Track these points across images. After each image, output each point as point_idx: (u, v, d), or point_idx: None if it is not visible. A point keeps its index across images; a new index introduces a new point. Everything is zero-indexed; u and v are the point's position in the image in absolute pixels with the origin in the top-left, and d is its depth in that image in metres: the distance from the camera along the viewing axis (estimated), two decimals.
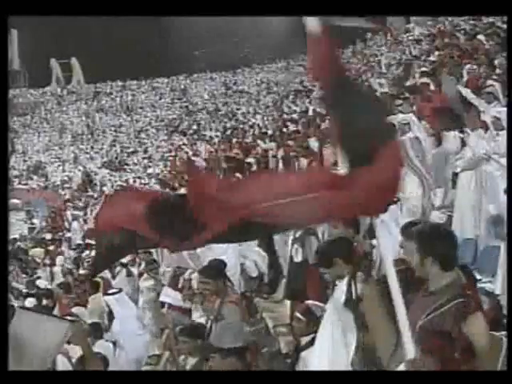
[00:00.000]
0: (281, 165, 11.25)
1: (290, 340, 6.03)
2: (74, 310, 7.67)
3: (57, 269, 13.53)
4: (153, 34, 44.78)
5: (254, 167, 12.23)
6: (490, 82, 8.52)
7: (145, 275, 7.96)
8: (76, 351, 4.55)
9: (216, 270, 5.25)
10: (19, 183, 33.06)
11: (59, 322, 3.61)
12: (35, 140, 42.34)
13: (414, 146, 6.47)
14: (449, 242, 3.00)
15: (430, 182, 6.35)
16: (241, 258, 8.36)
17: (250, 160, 12.91)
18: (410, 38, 21.27)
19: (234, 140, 19.98)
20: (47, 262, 15.11)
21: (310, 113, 14.74)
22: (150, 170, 27.55)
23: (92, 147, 38.41)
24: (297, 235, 6.26)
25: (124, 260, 9.84)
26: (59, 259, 14.66)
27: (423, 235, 2.97)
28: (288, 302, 6.74)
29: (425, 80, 9.96)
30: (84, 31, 42.31)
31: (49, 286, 11.48)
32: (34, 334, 3.54)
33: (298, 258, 6.16)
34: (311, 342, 4.45)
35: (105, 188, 26.94)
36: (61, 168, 35.81)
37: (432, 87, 9.50)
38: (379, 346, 2.91)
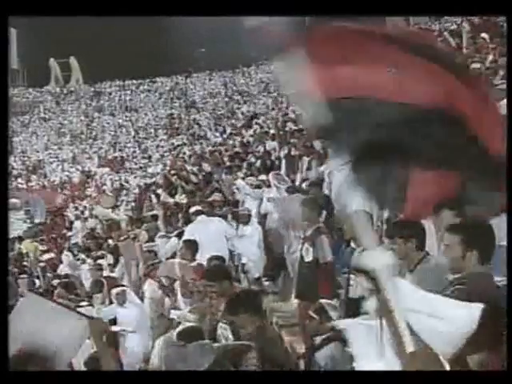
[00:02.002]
0: (283, 164, 11.24)
1: (298, 340, 6.00)
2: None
3: (61, 268, 13.50)
4: (152, 33, 44.75)
5: (257, 166, 12.18)
6: (498, 78, 8.51)
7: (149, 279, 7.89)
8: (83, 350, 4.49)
9: (219, 271, 5.22)
10: (18, 183, 33.04)
11: (79, 317, 3.40)
12: (34, 139, 42.32)
13: None
14: (491, 235, 3.08)
15: None
16: (243, 258, 8.35)
17: (252, 160, 12.90)
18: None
19: (235, 139, 20.00)
20: (45, 260, 15.10)
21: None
22: (149, 170, 27.53)
23: (91, 147, 38.39)
24: (307, 234, 6.21)
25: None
26: (63, 257, 14.63)
27: (469, 228, 3.03)
28: (295, 302, 6.70)
29: None
30: (83, 30, 42.28)
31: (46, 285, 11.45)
32: (48, 327, 3.30)
33: (309, 258, 6.11)
34: (325, 342, 4.41)
35: (104, 187, 26.94)
36: (60, 167, 35.79)
37: None
38: None
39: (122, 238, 11.13)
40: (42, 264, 14.32)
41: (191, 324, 5.17)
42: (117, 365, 3.64)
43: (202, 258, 7.15)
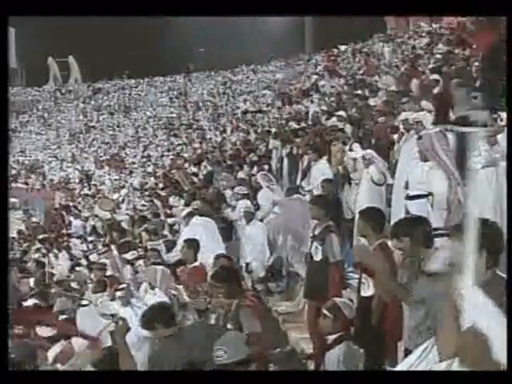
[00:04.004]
0: (286, 163, 11.23)
1: (306, 340, 5.97)
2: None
3: (60, 268, 13.46)
4: (152, 33, 44.70)
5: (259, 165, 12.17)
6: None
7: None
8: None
9: (228, 272, 5.19)
10: (17, 182, 33.01)
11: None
12: (33, 139, 42.27)
13: (440, 139, 6.38)
14: (499, 237, 2.96)
15: (457, 177, 6.25)
16: (247, 257, 8.33)
17: (255, 158, 12.87)
18: (411, 35, 21.24)
19: (235, 138, 19.96)
20: (44, 259, 15.07)
21: (312, 111, 14.69)
22: (149, 169, 27.51)
23: (90, 146, 38.35)
24: (316, 232, 6.14)
25: (129, 256, 9.82)
26: (61, 256, 14.60)
27: (480, 230, 2.89)
28: (303, 301, 6.66)
29: (435, 77, 9.80)
30: (82, 30, 42.22)
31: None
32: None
33: (318, 257, 6.03)
34: (337, 342, 4.37)
35: (103, 187, 26.92)
36: (59, 167, 35.76)
37: (441, 85, 9.34)
38: None
39: (102, 250, 11.05)
40: (41, 263, 14.29)
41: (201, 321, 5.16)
42: (134, 365, 3.66)
43: (203, 258, 7.14)
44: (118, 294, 7.19)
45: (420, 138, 6.59)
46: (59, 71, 51.63)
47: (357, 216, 5.72)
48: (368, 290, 4.69)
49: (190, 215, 9.26)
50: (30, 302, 9.84)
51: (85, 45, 44.98)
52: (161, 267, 7.31)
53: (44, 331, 6.11)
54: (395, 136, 8.31)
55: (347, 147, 9.09)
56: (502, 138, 6.23)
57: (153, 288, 6.94)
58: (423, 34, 19.80)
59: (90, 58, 44.72)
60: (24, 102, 47.46)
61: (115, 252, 9.58)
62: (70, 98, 47.68)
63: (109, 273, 9.26)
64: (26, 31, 44.53)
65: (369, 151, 8.10)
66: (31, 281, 12.98)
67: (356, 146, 8.56)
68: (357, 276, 5.23)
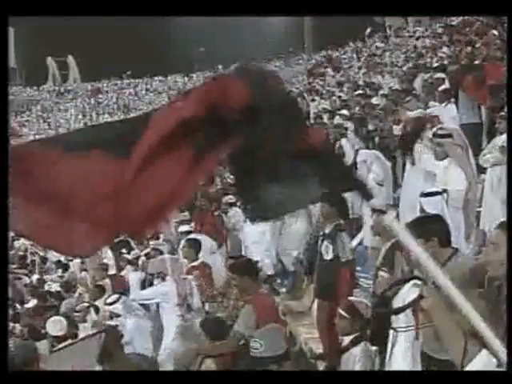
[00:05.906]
0: None
1: (315, 340, 5.94)
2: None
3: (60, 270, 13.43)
4: (151, 32, 44.70)
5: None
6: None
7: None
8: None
9: (247, 264, 5.17)
10: None
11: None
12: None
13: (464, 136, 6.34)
14: None
15: (476, 175, 6.18)
16: (255, 256, 8.31)
17: None
18: (413, 34, 21.18)
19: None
20: (40, 260, 15.07)
21: (314, 110, 14.65)
22: None
23: None
24: (326, 231, 6.06)
25: (129, 256, 9.82)
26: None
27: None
28: (309, 301, 6.62)
29: (439, 75, 9.74)
30: (81, 29, 42.23)
31: (55, 288, 11.30)
32: None
33: (329, 256, 5.93)
34: (354, 342, 4.27)
35: None
36: None
37: (447, 84, 9.28)
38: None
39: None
40: (40, 263, 14.29)
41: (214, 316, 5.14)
42: (132, 366, 3.66)
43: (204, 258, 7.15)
44: (111, 299, 7.16)
45: (435, 135, 6.48)
46: (58, 71, 51.65)
47: (370, 214, 5.66)
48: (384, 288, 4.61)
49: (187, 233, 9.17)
50: (30, 303, 9.84)
51: (84, 45, 44.98)
52: (169, 255, 7.31)
53: (53, 329, 6.08)
54: (400, 134, 8.27)
55: (348, 145, 9.06)
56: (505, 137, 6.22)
57: (163, 278, 6.92)
58: (425, 34, 19.78)
59: (89, 58, 44.73)
60: (23, 102, 47.47)
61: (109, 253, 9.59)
62: (68, 97, 47.69)
63: (110, 272, 9.26)
64: (26, 31, 44.53)
65: (369, 152, 8.07)
66: (31, 280, 12.97)
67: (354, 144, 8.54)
68: (367, 275, 5.17)
